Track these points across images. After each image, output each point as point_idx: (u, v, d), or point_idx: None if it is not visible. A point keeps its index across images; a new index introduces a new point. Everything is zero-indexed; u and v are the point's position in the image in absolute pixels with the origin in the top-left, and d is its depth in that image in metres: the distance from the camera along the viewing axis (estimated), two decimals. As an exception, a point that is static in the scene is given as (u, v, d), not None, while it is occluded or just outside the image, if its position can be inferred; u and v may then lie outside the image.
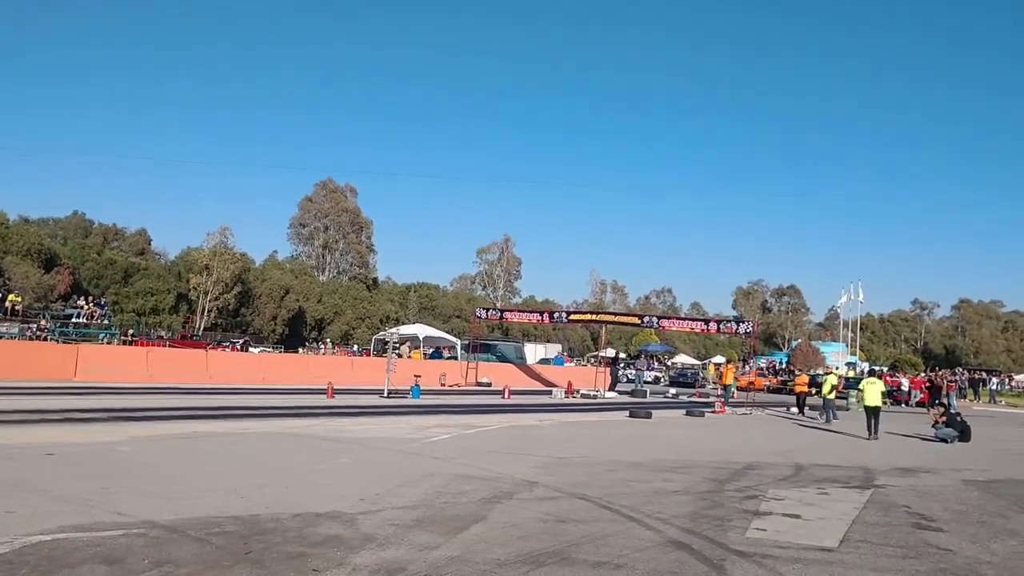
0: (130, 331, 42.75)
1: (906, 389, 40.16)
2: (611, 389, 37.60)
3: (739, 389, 39.54)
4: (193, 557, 6.00)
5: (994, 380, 51.40)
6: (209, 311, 69.74)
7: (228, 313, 72.15)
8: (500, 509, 8.36)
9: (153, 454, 10.78)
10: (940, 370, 56.30)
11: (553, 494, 9.40)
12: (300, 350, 63.77)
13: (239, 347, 47.67)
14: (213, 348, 41.09)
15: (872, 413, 20.03)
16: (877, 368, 54.63)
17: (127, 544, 6.22)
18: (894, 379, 44.50)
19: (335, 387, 24.01)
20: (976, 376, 50.89)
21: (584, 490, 9.72)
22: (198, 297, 69.27)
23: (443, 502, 8.58)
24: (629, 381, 48.38)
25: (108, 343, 33.82)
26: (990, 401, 45.91)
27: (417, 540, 6.85)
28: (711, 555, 6.87)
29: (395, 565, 6.06)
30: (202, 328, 66.42)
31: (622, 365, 55.56)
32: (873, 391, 20.54)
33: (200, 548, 6.24)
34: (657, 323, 38.24)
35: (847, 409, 27.60)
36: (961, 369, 64.54)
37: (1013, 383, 70.14)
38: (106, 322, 38.03)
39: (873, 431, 19.63)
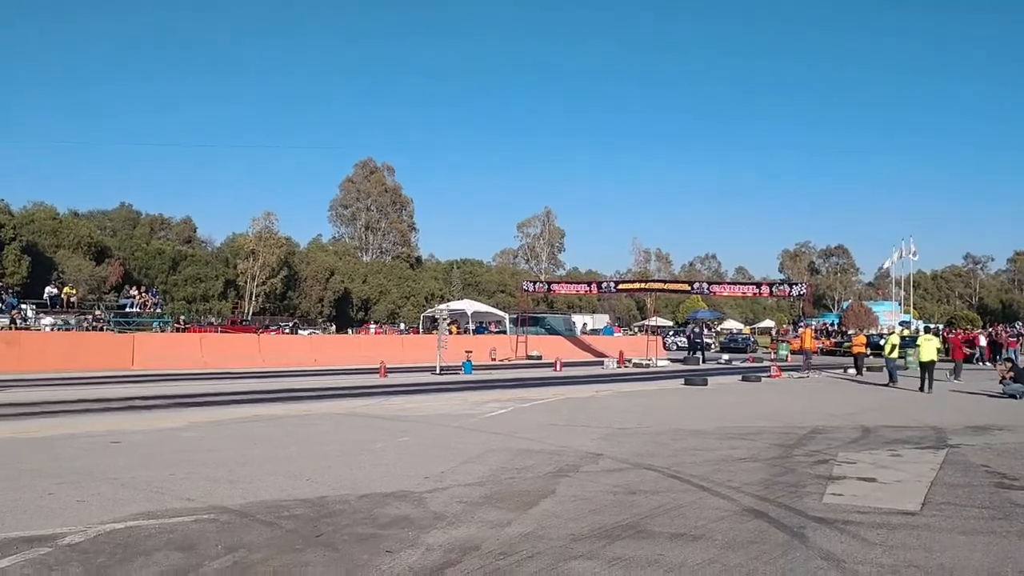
0: (181, 318, 43.31)
1: (984, 345, 38.53)
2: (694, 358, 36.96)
3: (793, 352, 39.10)
4: (265, 541, 5.93)
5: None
6: (257, 296, 70.58)
7: (275, 297, 72.97)
8: (567, 483, 8.22)
9: (216, 439, 10.83)
10: (999, 325, 55.01)
11: (619, 465, 9.24)
12: (332, 327, 64.30)
13: (288, 330, 48.11)
14: (264, 332, 41.52)
15: (927, 368, 21.02)
16: (932, 326, 53.57)
17: (199, 530, 6.19)
18: (969, 333, 42.64)
19: (387, 366, 24.07)
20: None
21: (650, 460, 9.55)
22: (245, 282, 70.10)
23: (509, 477, 8.46)
24: (679, 348, 48.02)
25: (162, 331, 34.31)
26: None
27: (487, 517, 6.73)
28: (790, 523, 6.66)
29: (468, 543, 5.94)
30: (251, 313, 67.26)
31: (672, 333, 55.16)
32: (929, 347, 21.62)
33: (271, 532, 6.18)
34: (707, 289, 37.71)
35: (906, 368, 26.99)
36: (1020, 323, 62.98)
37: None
38: (159, 311, 38.57)
39: (927, 385, 20.60)
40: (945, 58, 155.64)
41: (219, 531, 6.18)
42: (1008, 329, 46.41)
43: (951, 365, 25.60)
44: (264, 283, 70.69)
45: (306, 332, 50.07)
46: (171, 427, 11.75)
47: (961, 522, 6.83)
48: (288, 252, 74.72)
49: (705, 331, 52.01)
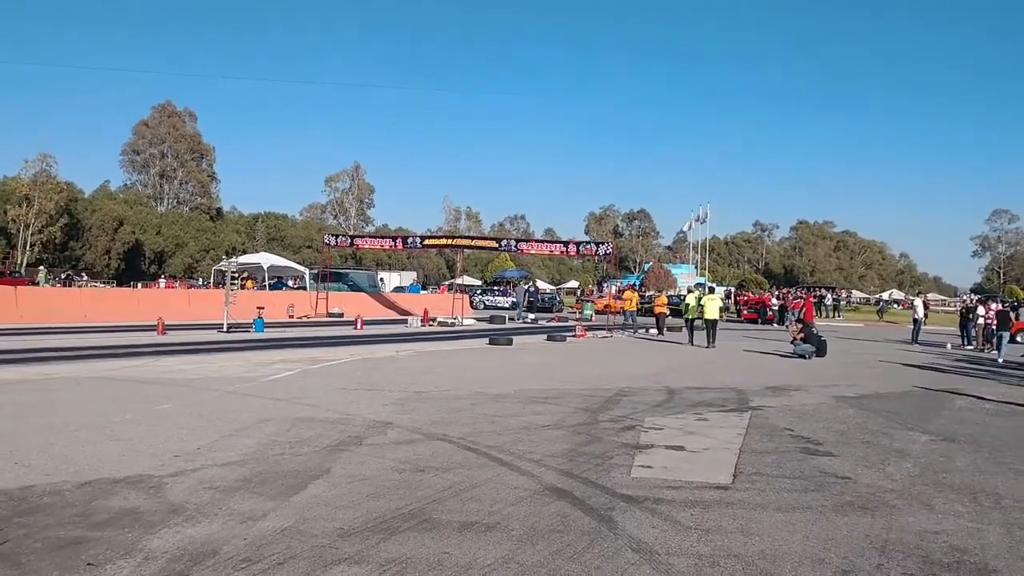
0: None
1: (775, 307, 40.94)
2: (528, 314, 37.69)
3: (597, 312, 39.62)
4: (-83, 555, 4.41)
5: (829, 296, 53.62)
6: (32, 245, 64.12)
7: (55, 247, 66.62)
8: (347, 459, 7.05)
9: (-84, 411, 8.80)
10: (783, 288, 58.47)
11: (410, 436, 8.16)
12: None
13: (61, 282, 43.64)
14: (28, 284, 37.25)
15: (711, 325, 22.92)
16: (718, 287, 56.37)
17: None
18: (762, 296, 45.24)
19: (168, 323, 21.83)
20: (818, 294, 53.00)
21: (445, 429, 8.54)
22: (18, 231, 63.47)
23: (278, 454, 7.18)
24: (487, 308, 47.68)
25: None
26: (832, 316, 47.98)
27: (239, 508, 5.48)
28: (597, 503, 5.85)
29: (204, 548, 4.67)
30: (24, 264, 61.04)
31: (480, 291, 54.74)
32: (712, 306, 23.52)
33: (-67, 540, 4.65)
34: (515, 246, 37.15)
35: (703, 329, 27.65)
36: (798, 287, 67.52)
37: (851, 299, 74.22)
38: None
39: (712, 340, 22.50)
40: (745, 38, 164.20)
41: None
42: (793, 292, 49.32)
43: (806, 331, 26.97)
44: (40, 232, 64.29)
45: (84, 285, 45.68)
46: None
47: (775, 496, 6.28)
48: (69, 199, 68.26)
49: (509, 290, 51.90)
